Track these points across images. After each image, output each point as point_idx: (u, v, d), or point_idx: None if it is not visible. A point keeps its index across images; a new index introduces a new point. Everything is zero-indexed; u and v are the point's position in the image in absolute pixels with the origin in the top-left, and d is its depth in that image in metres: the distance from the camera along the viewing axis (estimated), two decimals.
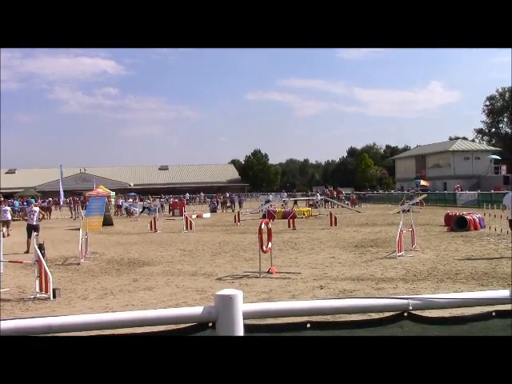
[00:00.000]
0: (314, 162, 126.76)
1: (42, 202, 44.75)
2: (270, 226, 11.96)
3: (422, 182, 55.02)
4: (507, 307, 1.77)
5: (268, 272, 10.74)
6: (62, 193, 50.78)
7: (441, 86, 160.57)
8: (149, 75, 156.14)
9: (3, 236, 13.45)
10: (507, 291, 1.80)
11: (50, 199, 47.98)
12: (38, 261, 9.06)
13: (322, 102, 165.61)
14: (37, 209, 16.28)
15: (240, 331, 1.59)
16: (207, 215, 34.91)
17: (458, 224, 18.93)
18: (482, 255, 12.60)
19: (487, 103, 79.75)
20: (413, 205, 24.39)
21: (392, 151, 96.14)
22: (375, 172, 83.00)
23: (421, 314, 1.74)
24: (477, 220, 18.99)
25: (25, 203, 39.52)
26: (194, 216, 29.75)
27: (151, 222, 23.70)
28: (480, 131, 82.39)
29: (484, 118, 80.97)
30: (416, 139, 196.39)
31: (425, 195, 35.34)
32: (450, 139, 73.00)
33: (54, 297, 8.80)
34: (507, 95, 76.46)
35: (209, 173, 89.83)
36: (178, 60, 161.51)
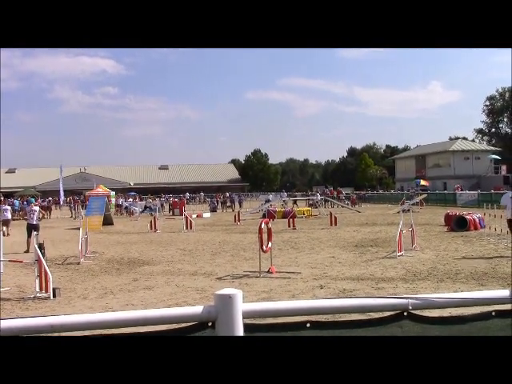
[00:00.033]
0: (314, 162, 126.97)
1: (42, 201, 44.76)
2: (269, 225, 11.96)
3: (422, 182, 55.04)
4: (507, 307, 1.77)
5: (268, 271, 10.75)
6: (62, 192, 50.85)
7: (441, 85, 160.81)
8: (149, 75, 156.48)
9: (3, 235, 13.45)
10: (507, 291, 1.80)
11: (50, 199, 48.02)
12: (38, 260, 9.06)
13: (322, 102, 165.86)
14: (37, 208, 16.28)
15: (240, 331, 1.59)
16: (207, 215, 34.91)
17: (458, 224, 18.93)
18: (482, 255, 12.60)
19: (487, 103, 79.82)
20: (413, 205, 24.38)
21: (392, 151, 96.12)
22: (375, 172, 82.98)
23: (421, 314, 1.74)
24: (477, 220, 18.99)
25: (25, 202, 39.52)
26: (194, 216, 29.75)
27: (151, 222, 23.71)
28: (480, 131, 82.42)
29: (484, 117, 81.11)
30: (416, 139, 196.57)
31: (425, 195, 35.34)
32: (450, 139, 73.02)
33: (54, 296, 8.80)
34: (507, 95, 76.47)
35: (209, 172, 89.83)
36: (178, 59, 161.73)
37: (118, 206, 41.96)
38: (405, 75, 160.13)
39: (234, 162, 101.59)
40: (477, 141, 76.27)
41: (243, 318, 1.61)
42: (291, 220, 23.07)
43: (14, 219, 26.62)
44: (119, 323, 1.62)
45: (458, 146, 60.06)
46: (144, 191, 62.89)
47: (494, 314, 1.76)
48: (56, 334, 1.52)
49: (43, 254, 9.22)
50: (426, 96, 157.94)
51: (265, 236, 11.34)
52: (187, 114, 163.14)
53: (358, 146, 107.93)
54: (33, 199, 40.70)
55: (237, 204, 45.11)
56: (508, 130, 79.59)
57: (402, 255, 12.60)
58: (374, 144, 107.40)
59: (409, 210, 17.85)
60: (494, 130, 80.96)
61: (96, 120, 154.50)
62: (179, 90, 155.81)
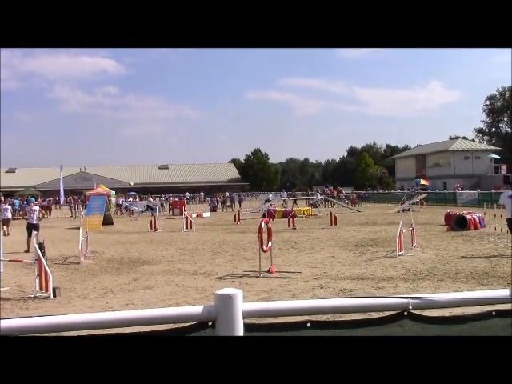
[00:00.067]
0: (314, 162, 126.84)
1: (43, 200, 44.71)
2: (269, 225, 11.96)
3: (422, 182, 55.04)
4: (507, 306, 1.77)
5: (268, 271, 10.75)
6: (62, 192, 50.88)
7: (441, 85, 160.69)
8: (149, 74, 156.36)
9: (3, 235, 13.45)
10: (507, 290, 1.80)
11: (50, 198, 47.96)
12: (38, 260, 9.06)
13: (322, 101, 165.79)
14: (37, 208, 16.27)
15: (240, 330, 1.60)
16: (207, 214, 34.91)
17: (458, 223, 18.93)
18: (482, 254, 12.60)
19: (487, 103, 79.75)
20: (413, 204, 24.40)
21: (392, 150, 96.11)
22: (375, 171, 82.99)
23: (421, 314, 1.74)
24: (477, 219, 18.99)
25: (25, 202, 39.48)
26: (194, 215, 29.75)
27: (151, 221, 23.71)
28: (480, 131, 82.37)
29: (484, 117, 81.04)
30: (416, 138, 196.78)
31: (425, 194, 35.41)
32: (450, 138, 73.00)
33: (54, 296, 8.80)
34: (507, 95, 76.43)
35: (209, 172, 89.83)
36: (178, 59, 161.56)
37: (118, 205, 41.96)
38: (405, 75, 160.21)
39: (234, 161, 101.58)
40: (477, 140, 76.25)
41: (243, 317, 1.61)
42: (291, 220, 23.07)
43: (14, 219, 26.63)
44: (119, 323, 1.62)
45: (458, 145, 60.06)
46: (144, 191, 62.88)
47: (494, 313, 1.76)
48: (56, 334, 1.52)
49: (43, 254, 9.22)
50: (426, 96, 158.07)
51: (265, 236, 11.34)
52: (187, 113, 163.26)
53: (358, 145, 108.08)
54: (33, 199, 40.53)
55: (237, 203, 45.11)
56: (508, 130, 79.57)
57: (402, 255, 12.60)
58: (374, 143, 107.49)
59: (409, 210, 17.85)
60: (494, 129, 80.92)
61: (96, 120, 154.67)
62: (179, 89, 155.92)
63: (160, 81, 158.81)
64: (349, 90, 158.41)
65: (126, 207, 41.38)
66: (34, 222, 15.41)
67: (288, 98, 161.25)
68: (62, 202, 49.92)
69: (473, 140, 73.96)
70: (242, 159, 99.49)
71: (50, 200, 45.73)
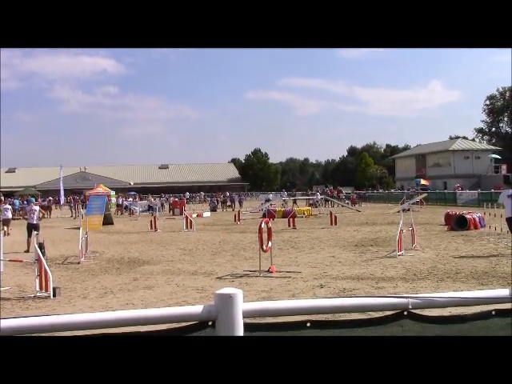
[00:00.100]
0: (314, 161, 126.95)
1: (43, 200, 44.73)
2: (270, 225, 11.96)
3: (422, 181, 55.06)
4: (507, 306, 1.77)
5: (268, 271, 10.75)
6: (62, 192, 50.83)
7: (441, 85, 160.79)
8: (149, 74, 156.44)
9: (4, 235, 13.46)
10: (507, 290, 1.80)
11: (51, 198, 48.01)
12: (38, 260, 9.07)
13: (322, 102, 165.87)
14: (37, 208, 16.27)
15: (240, 330, 1.60)
16: (207, 214, 34.92)
17: (458, 223, 18.93)
18: (482, 254, 12.60)
19: (487, 102, 79.75)
20: (413, 204, 24.40)
21: (392, 150, 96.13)
22: (375, 171, 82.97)
23: (421, 313, 1.74)
24: (477, 219, 18.99)
25: (25, 202, 39.49)
26: (194, 215, 29.75)
27: (151, 221, 23.71)
28: (480, 130, 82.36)
29: (484, 117, 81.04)
30: (416, 138, 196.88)
31: (425, 194, 35.42)
32: (451, 138, 73.05)
33: (54, 296, 8.80)
34: (507, 94, 76.43)
35: (209, 172, 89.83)
36: (178, 59, 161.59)
37: (118, 205, 41.96)
38: (405, 75, 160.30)
39: (234, 161, 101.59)
40: (477, 140, 76.27)
41: (243, 317, 1.61)
42: (291, 219, 23.07)
43: (14, 219, 26.61)
44: (119, 322, 1.62)
45: (458, 145, 60.06)
46: (144, 191, 62.89)
47: (494, 313, 1.77)
48: (56, 334, 1.53)
49: (43, 254, 9.23)
50: (426, 95, 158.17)
51: (265, 235, 11.34)
52: (187, 113, 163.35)
53: (358, 145, 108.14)
54: (33, 199, 40.56)
55: (237, 203, 45.11)
56: (508, 130, 79.56)
57: (402, 254, 12.60)
58: (374, 143, 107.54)
59: (409, 210, 17.86)
60: (494, 129, 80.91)
61: (96, 119, 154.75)
62: (179, 89, 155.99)
63: (160, 81, 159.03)
64: (349, 89, 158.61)
65: (126, 207, 41.38)
66: (34, 222, 15.41)
67: (288, 98, 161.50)
68: (62, 202, 49.91)
69: (473, 140, 73.97)
70: (242, 159, 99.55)
71: (50, 200, 45.78)
